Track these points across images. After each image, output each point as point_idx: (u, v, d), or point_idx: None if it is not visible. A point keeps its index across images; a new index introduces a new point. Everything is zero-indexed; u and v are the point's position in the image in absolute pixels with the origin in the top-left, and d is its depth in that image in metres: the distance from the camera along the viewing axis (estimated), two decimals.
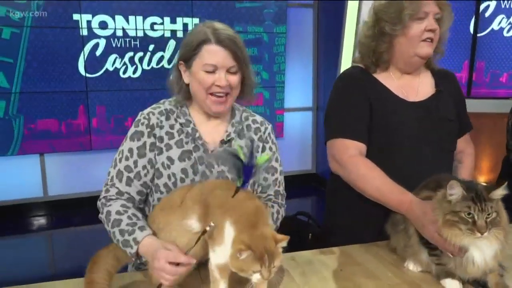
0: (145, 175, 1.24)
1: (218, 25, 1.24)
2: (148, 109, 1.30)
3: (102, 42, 3.76)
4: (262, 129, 1.37)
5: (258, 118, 1.40)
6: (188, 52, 1.23)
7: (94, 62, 3.77)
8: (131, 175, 1.23)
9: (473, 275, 1.08)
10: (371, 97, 1.41)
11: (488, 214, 1.00)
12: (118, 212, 1.15)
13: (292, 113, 4.56)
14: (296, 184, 4.65)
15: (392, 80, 1.46)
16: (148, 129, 1.25)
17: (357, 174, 1.33)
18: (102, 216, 1.19)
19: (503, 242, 1.04)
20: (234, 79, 1.25)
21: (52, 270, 3.08)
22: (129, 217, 1.14)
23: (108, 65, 3.81)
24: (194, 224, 1.06)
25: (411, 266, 1.21)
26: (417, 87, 1.47)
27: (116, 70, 3.85)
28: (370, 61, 1.45)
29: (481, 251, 1.04)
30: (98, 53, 3.76)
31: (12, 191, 3.75)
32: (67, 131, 3.79)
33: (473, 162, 1.57)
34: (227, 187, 1.07)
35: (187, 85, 1.29)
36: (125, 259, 1.14)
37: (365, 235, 1.42)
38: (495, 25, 4.08)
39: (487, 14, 4.06)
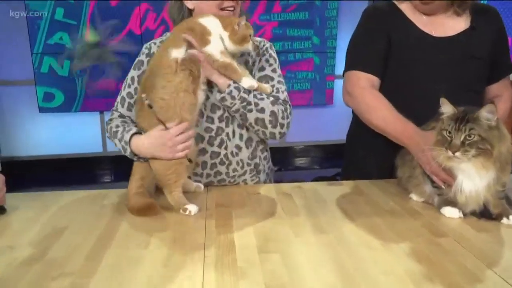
0: None
1: None
2: (152, 40, 1.38)
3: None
4: (261, 45, 1.40)
5: (258, 38, 1.43)
6: None
7: (148, 26, 3.94)
8: (132, 101, 1.32)
9: (468, 205, 1.07)
10: (392, 30, 1.40)
11: (469, 136, 0.98)
12: (117, 126, 1.27)
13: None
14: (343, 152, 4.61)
15: (420, 14, 1.42)
16: (148, 58, 1.33)
17: (365, 104, 1.35)
18: (108, 135, 1.30)
19: (498, 175, 1.02)
20: None
21: None
22: (123, 128, 1.24)
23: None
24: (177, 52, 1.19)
25: (415, 197, 1.22)
26: (447, 23, 1.41)
27: None
28: None
29: (470, 179, 1.03)
30: (152, 17, 3.93)
31: (75, 145, 4.09)
32: None
33: (507, 107, 1.49)
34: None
35: (190, 11, 1.32)
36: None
37: (376, 172, 1.44)
38: None
39: None
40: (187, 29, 1.18)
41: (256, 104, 1.25)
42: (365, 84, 1.37)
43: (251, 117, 1.27)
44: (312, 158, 4.73)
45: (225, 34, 1.18)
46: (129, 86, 1.34)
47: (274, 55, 1.42)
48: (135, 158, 1.21)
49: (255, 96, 1.25)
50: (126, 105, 1.34)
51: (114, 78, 3.97)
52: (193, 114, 1.19)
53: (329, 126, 4.58)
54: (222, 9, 1.27)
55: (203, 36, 1.17)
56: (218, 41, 1.18)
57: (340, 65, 4.35)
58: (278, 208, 1.17)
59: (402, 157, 1.27)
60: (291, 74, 4.32)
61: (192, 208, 1.13)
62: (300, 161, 4.66)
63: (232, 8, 1.28)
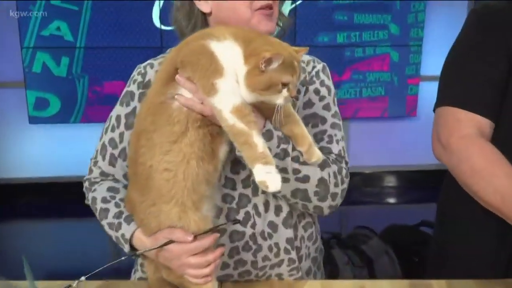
0: None
1: None
2: (150, 60, 1.24)
3: None
4: (309, 68, 1.23)
5: (306, 57, 1.25)
6: None
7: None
8: (116, 152, 1.19)
9: None
10: None
11: None
12: (104, 200, 1.16)
13: (432, 84, 3.92)
14: (432, 183, 4.16)
15: None
16: (140, 90, 1.19)
17: (468, 165, 1.15)
18: (88, 203, 1.21)
19: None
20: None
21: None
22: (116, 204, 1.13)
23: None
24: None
25: None
26: None
27: None
28: None
29: None
30: None
31: (73, 166, 3.77)
32: None
33: None
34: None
35: (205, 17, 1.16)
36: None
37: (485, 266, 1.25)
38: None
39: None
40: (190, 54, 0.94)
41: (297, 171, 1.06)
42: (469, 131, 1.18)
43: (287, 188, 1.08)
44: (385, 188, 4.50)
45: (243, 70, 0.91)
46: (113, 130, 1.20)
47: (328, 82, 1.24)
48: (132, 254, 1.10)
49: (296, 158, 1.05)
50: (108, 157, 1.20)
51: (124, 80, 3.64)
52: (213, 183, 1.03)
53: (410, 146, 4.32)
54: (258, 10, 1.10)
55: (207, 76, 0.92)
56: (232, 88, 0.92)
57: (428, 63, 4.09)
58: None
59: None
60: (359, 75, 4.03)
61: None
62: (369, 193, 4.36)
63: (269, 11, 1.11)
